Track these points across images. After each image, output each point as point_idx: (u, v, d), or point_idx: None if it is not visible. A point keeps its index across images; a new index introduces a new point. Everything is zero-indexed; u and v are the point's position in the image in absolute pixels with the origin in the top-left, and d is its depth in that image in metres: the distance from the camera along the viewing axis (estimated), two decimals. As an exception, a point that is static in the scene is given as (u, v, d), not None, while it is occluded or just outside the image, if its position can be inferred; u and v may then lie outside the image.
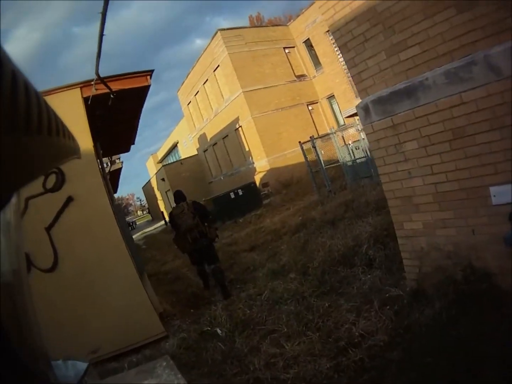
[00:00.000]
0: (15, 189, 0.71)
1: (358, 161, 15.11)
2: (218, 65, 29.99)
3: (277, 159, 27.44)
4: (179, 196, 9.02)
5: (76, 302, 6.48)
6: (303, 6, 30.02)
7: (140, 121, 10.70)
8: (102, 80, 6.99)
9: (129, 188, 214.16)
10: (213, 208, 21.16)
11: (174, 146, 53.60)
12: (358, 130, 14.17)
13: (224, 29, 29.09)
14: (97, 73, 6.74)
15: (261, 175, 28.39)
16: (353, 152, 15.28)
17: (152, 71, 7.94)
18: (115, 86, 7.47)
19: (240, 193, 21.90)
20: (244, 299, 7.53)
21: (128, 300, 6.69)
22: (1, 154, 0.54)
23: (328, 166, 16.52)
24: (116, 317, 6.57)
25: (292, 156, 26.89)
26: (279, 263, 8.92)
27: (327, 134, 18.17)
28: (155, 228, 37.31)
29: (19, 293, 1.06)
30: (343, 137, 16.35)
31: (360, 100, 5.33)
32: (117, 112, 8.95)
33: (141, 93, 8.62)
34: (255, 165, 29.19)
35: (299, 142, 17.11)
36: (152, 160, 63.44)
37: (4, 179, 0.58)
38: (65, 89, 7.10)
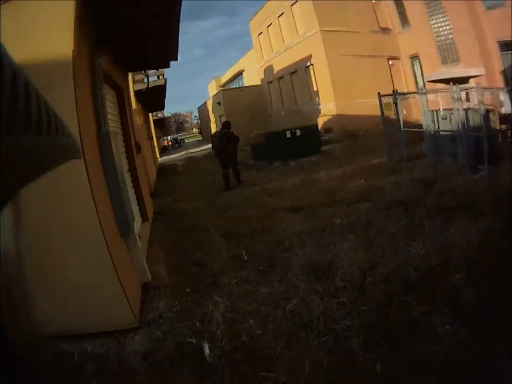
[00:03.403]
0: (14, 189, 0.67)
1: (442, 133, 12.26)
2: (297, 0, 27.64)
3: (346, 106, 25.00)
4: (224, 125, 14.32)
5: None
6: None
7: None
8: None
9: (188, 107, 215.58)
10: (263, 144, 19.09)
11: (239, 74, 52.28)
12: (454, 98, 11.22)
13: (307, -37, 26.07)
14: None
15: (325, 118, 26.26)
16: (438, 122, 12.37)
17: None
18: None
19: (298, 133, 19.21)
20: (261, 299, 5.14)
21: (89, 273, 4.81)
22: (0, 154, 0.55)
23: (406, 129, 13.73)
24: (72, 293, 4.77)
25: (363, 107, 24.44)
26: (326, 254, 6.14)
27: (413, 93, 15.39)
28: (201, 150, 36.04)
29: (19, 291, 1.43)
30: (426, 101, 13.36)
31: None
32: (140, 14, 6.36)
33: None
34: (320, 107, 27.07)
35: (378, 93, 14.33)
36: (214, 83, 63.12)
37: (3, 179, 0.58)
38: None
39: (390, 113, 14.25)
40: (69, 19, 4.64)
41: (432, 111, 12.65)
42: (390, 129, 14.15)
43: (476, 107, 10.97)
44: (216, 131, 15.94)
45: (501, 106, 13.96)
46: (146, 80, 14.33)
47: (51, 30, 4.65)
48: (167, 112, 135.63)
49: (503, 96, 14.24)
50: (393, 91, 13.74)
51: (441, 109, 12.40)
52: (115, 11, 5.91)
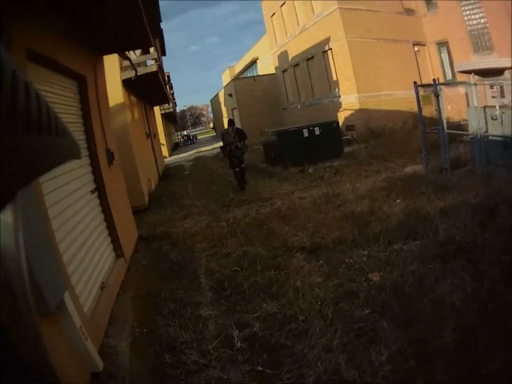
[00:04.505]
0: (14, 190, 0.67)
1: (491, 138, 9.71)
2: (311, -27, 24.65)
3: (370, 99, 22.30)
4: (230, 122, 14.22)
5: None
6: None
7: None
8: None
9: (204, 99, 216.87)
10: (277, 144, 16.49)
11: (253, 63, 50.09)
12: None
13: None
14: None
15: (346, 113, 23.36)
16: (486, 123, 9.88)
17: None
18: None
19: (317, 132, 16.52)
20: None
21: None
22: (0, 155, 0.56)
23: (450, 131, 10.92)
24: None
25: (389, 100, 22.22)
26: (362, 359, 3.84)
27: (460, 83, 12.76)
28: (212, 149, 33.33)
29: (19, 292, 1.01)
30: (467, 94, 10.79)
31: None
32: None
33: None
34: (341, 100, 24.14)
35: (415, 82, 11.57)
36: (228, 72, 61.70)
37: (3, 180, 0.59)
38: None
39: (428, 109, 11.46)
40: None
41: (484, 108, 10.15)
42: (427, 130, 11.61)
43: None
44: (226, 129, 14.10)
45: None
46: (132, 66, 12.15)
47: None
48: (182, 105, 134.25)
49: None
50: (434, 80, 10.97)
51: (497, 106, 9.80)
52: None
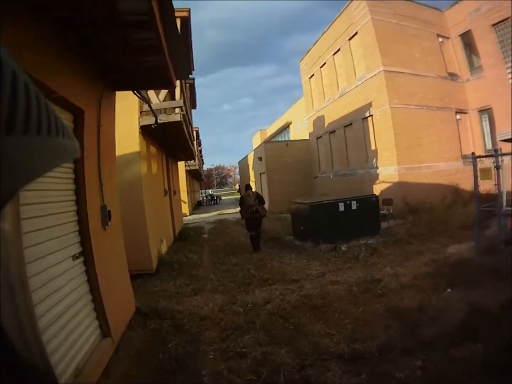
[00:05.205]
0: (14, 190, 0.68)
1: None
2: (356, 32, 23.69)
3: (410, 171, 20.82)
4: (248, 187, 14.83)
5: None
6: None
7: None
8: None
9: (234, 160, 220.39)
10: (308, 216, 14.82)
11: (286, 127, 50.08)
12: None
13: (368, -8, 22.69)
14: None
15: (383, 186, 21.62)
16: None
17: None
18: None
19: (354, 206, 14.94)
20: None
21: None
22: (0, 155, 0.57)
23: (509, 208, 9.58)
24: None
25: (428, 172, 20.81)
26: None
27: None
28: (236, 212, 30.42)
29: (19, 293, 1.27)
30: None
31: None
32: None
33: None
34: (378, 171, 22.56)
35: (472, 153, 10.47)
36: (259, 135, 62.36)
37: (3, 179, 0.60)
38: None
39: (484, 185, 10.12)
40: None
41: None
42: (482, 207, 10.22)
43: None
44: (247, 192, 14.49)
45: None
46: (152, 111, 10.69)
47: None
48: (209, 163, 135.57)
49: None
50: (495, 149, 9.75)
51: None
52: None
